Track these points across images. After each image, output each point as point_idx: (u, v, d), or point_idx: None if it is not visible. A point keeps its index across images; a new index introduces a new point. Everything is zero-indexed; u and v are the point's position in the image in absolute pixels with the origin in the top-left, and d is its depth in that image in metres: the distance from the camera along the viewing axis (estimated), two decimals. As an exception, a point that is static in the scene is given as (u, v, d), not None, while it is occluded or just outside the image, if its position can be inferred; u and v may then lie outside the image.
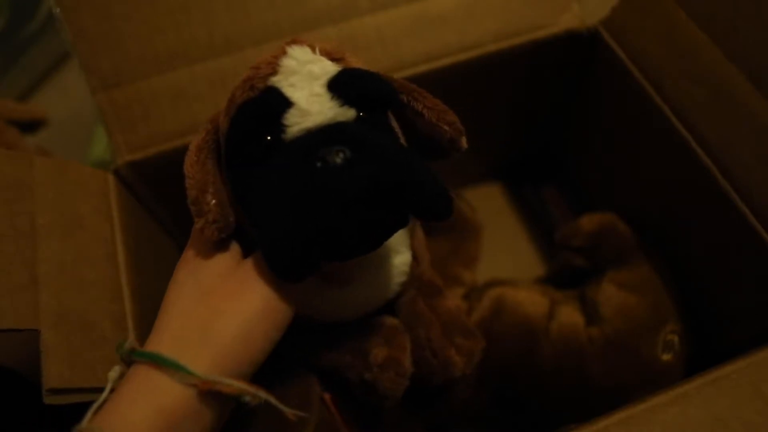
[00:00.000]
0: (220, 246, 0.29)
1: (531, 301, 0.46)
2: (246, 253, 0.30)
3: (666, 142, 0.41)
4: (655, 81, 0.42)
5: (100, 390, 0.28)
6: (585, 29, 0.46)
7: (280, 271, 0.26)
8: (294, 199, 0.24)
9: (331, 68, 0.27)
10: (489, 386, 0.44)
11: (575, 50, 0.47)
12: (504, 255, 0.58)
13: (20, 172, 0.35)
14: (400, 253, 0.33)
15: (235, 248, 0.30)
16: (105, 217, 0.38)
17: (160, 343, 0.27)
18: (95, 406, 0.26)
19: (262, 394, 0.27)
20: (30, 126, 0.70)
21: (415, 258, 0.35)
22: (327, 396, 0.35)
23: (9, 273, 0.31)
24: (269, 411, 0.28)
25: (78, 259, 0.34)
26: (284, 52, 0.27)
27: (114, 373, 0.28)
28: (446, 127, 0.30)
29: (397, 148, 0.27)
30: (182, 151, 0.41)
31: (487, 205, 0.61)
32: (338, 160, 0.24)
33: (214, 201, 0.27)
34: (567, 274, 0.50)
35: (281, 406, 0.27)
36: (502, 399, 0.45)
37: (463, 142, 0.30)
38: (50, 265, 0.32)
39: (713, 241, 0.42)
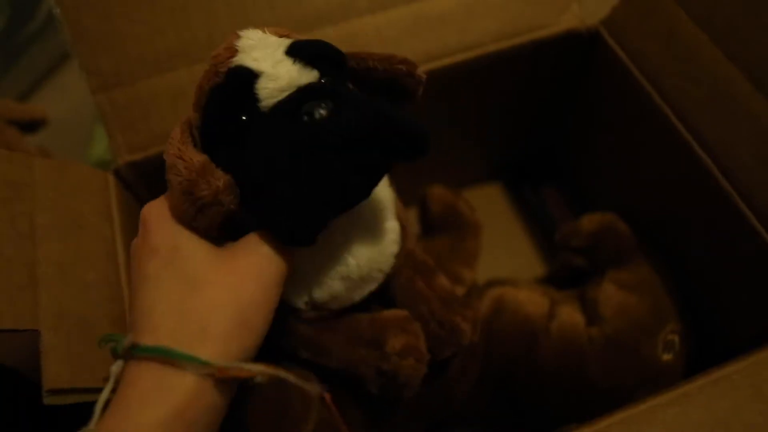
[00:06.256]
0: (196, 234, 0.28)
1: (531, 300, 0.46)
2: (228, 240, 0.28)
3: (666, 142, 0.41)
4: (655, 81, 0.42)
5: (100, 390, 0.28)
6: (585, 29, 0.46)
7: (293, 235, 0.26)
8: (291, 158, 0.25)
9: (284, 41, 0.29)
10: (489, 386, 0.44)
11: (575, 50, 0.47)
12: (504, 255, 0.58)
13: (20, 173, 0.35)
14: (388, 219, 0.34)
15: (212, 236, 0.28)
16: (105, 217, 0.38)
17: (157, 341, 0.25)
18: (100, 405, 0.25)
19: (282, 373, 0.26)
20: (30, 126, 0.70)
21: (403, 228, 0.35)
22: (327, 396, 0.35)
23: (9, 273, 0.31)
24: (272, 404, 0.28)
25: (78, 259, 0.34)
26: (237, 37, 0.28)
27: (116, 367, 0.26)
28: (400, 66, 0.31)
29: (370, 98, 0.28)
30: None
31: (487, 205, 0.61)
32: (324, 112, 0.25)
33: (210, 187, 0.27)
34: (567, 274, 0.50)
35: (302, 383, 0.27)
36: (502, 399, 0.45)
37: (420, 72, 0.31)
38: (50, 266, 0.32)
39: (713, 241, 0.42)
